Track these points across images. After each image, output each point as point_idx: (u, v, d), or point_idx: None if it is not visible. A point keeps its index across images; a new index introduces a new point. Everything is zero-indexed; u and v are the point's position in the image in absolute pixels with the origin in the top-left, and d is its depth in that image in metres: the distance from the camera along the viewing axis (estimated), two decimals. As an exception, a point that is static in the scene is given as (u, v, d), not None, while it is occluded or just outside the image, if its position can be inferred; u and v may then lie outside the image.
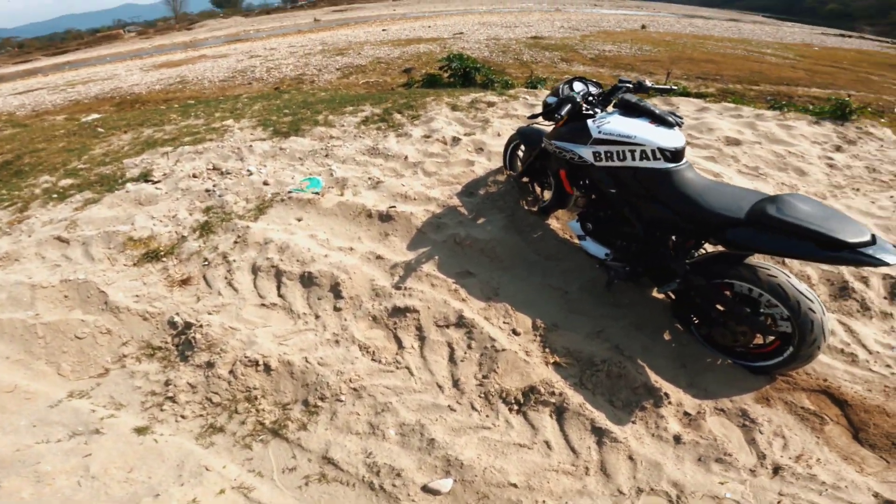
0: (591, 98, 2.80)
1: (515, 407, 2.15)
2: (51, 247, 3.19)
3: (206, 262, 3.01)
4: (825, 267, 2.86)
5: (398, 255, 3.03)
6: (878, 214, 3.46)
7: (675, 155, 2.30)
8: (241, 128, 5.31)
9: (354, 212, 3.38)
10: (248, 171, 4.10)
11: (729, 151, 4.41)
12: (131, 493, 1.76)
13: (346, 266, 2.82)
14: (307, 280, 2.79)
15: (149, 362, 2.42)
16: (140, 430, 2.04)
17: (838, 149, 4.61)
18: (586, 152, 2.56)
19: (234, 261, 2.98)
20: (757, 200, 2.07)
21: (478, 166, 3.98)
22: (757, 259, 2.29)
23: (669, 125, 2.39)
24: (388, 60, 11.53)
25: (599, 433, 2.01)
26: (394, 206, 3.37)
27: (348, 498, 1.82)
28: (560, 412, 2.10)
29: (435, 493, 1.82)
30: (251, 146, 4.66)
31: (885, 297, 2.73)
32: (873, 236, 1.83)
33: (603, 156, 2.49)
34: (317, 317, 2.63)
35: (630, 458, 1.93)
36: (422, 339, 2.47)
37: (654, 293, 2.70)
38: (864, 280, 2.80)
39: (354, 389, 2.21)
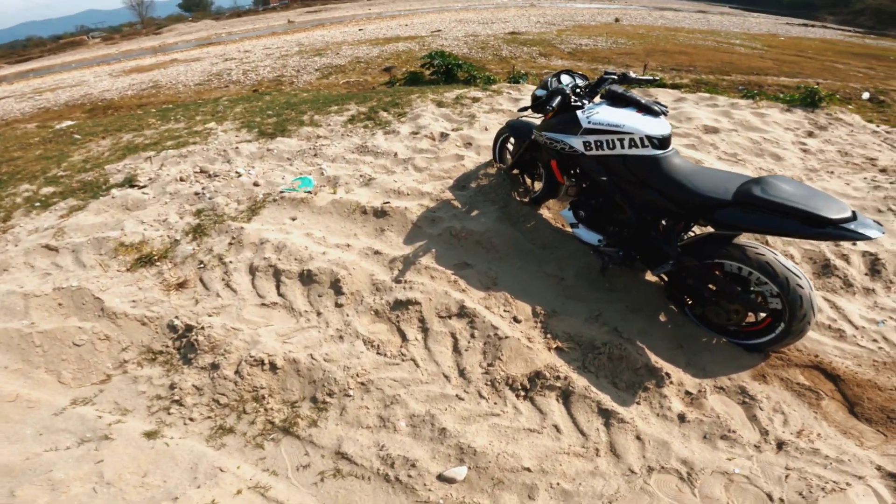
0: (578, 90, 2.87)
1: (522, 393, 2.19)
2: (39, 255, 3.13)
3: (202, 265, 2.99)
4: (807, 246, 2.98)
5: (396, 249, 3.05)
6: (853, 195, 3.61)
7: (663, 142, 2.38)
8: (225, 130, 5.26)
9: (349, 209, 3.39)
10: (237, 172, 4.06)
11: (708, 139, 4.54)
12: (149, 498, 1.75)
13: (344, 262, 2.84)
14: (307, 278, 2.80)
15: (151, 367, 2.40)
16: (149, 435, 2.03)
17: (810, 134, 4.79)
18: (577, 142, 2.63)
19: (231, 262, 2.97)
20: (742, 182, 2.16)
21: (468, 160, 4.02)
22: (745, 239, 2.38)
23: (655, 114, 2.47)
24: (368, 59, 11.48)
25: (606, 415, 2.05)
26: (388, 202, 3.39)
27: (365, 491, 1.84)
28: (566, 396, 2.15)
29: (451, 481, 1.85)
30: (237, 148, 4.62)
31: (865, 274, 2.86)
32: (854, 213, 1.93)
33: (593, 145, 2.56)
34: (319, 314, 2.64)
35: (638, 437, 1.97)
36: (425, 330, 2.50)
37: (648, 276, 2.78)
38: (845, 257, 2.92)
39: (362, 384, 2.23)
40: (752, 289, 2.24)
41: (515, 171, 3.62)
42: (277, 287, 2.81)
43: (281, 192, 3.62)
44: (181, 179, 4.03)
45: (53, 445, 1.96)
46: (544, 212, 3.38)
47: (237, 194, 3.72)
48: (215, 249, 3.10)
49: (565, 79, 2.97)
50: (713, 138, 4.55)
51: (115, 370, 2.40)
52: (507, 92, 5.94)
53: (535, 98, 2.97)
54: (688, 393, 2.15)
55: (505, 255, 3.02)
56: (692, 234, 2.61)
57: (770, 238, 2.99)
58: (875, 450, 1.91)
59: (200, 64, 14.76)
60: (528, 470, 1.87)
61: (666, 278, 2.57)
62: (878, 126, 5.13)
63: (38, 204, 3.90)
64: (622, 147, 2.44)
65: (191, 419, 2.14)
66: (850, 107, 6.01)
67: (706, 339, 2.41)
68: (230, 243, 3.12)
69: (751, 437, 1.97)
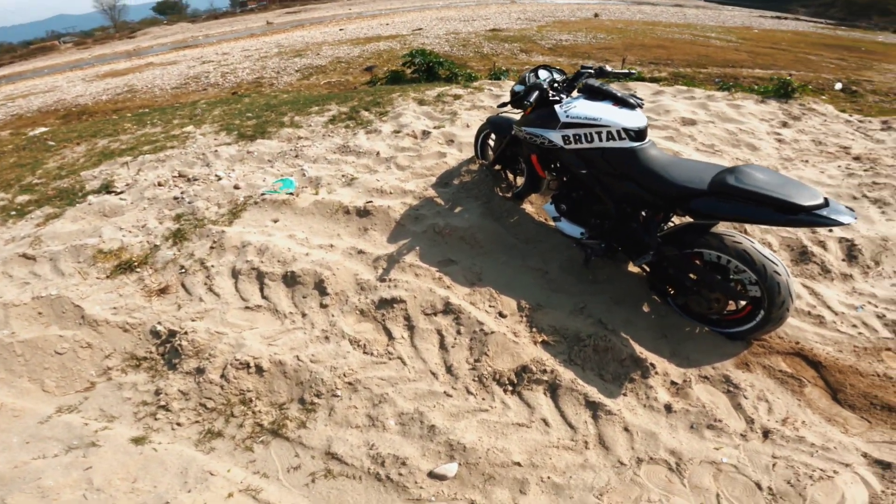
0: (556, 85, 2.89)
1: (510, 387, 2.20)
2: (17, 265, 3.06)
3: (183, 270, 2.95)
4: (785, 233, 3.04)
5: (379, 248, 3.04)
6: (828, 183, 3.69)
7: (639, 134, 2.42)
8: (204, 133, 5.19)
9: (331, 209, 3.37)
10: (217, 175, 4.01)
11: (686, 131, 4.60)
12: (140, 503, 1.73)
13: (328, 263, 2.82)
14: (290, 279, 2.78)
15: (135, 373, 2.37)
16: (137, 441, 2.00)
17: (785, 125, 4.89)
18: (556, 136, 2.65)
19: (213, 266, 2.94)
20: (717, 172, 2.20)
21: (450, 157, 4.03)
22: (723, 228, 2.42)
23: (631, 106, 2.50)
24: (349, 59, 11.41)
25: (594, 407, 2.07)
26: (370, 201, 3.38)
27: (356, 491, 1.84)
28: (553, 389, 2.16)
29: (442, 477, 1.85)
30: (216, 151, 4.56)
31: (843, 260, 2.91)
32: (826, 199, 1.97)
33: (572, 139, 2.58)
34: (304, 315, 2.62)
35: (626, 429, 1.99)
36: (411, 328, 2.50)
37: (631, 268, 2.82)
38: (822, 244, 2.98)
39: (349, 383, 2.23)
40: (731, 277, 2.28)
41: (498, 167, 3.64)
42: (261, 290, 2.78)
43: (262, 194, 3.59)
44: (159, 184, 3.97)
45: (41, 453, 1.94)
46: (527, 206, 3.40)
47: (217, 198, 3.68)
48: (196, 254, 3.06)
49: (543, 74, 2.99)
50: (691, 130, 4.61)
51: (99, 377, 2.37)
52: (489, 89, 5.95)
53: (513, 94, 2.99)
54: (673, 383, 2.17)
55: (489, 250, 3.03)
56: (672, 224, 2.65)
57: (749, 226, 3.04)
58: (860, 436, 1.93)
59: (177, 67, 14.53)
60: (519, 464, 1.88)
61: (648, 269, 2.61)
62: (850, 115, 5.25)
63: (13, 213, 3.81)
64: (600, 140, 2.47)
65: (178, 424, 2.12)
66: (824, 97, 6.14)
67: (689, 328, 2.44)
68: (211, 247, 3.09)
69: (737, 426, 1.98)
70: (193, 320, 2.59)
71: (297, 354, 2.35)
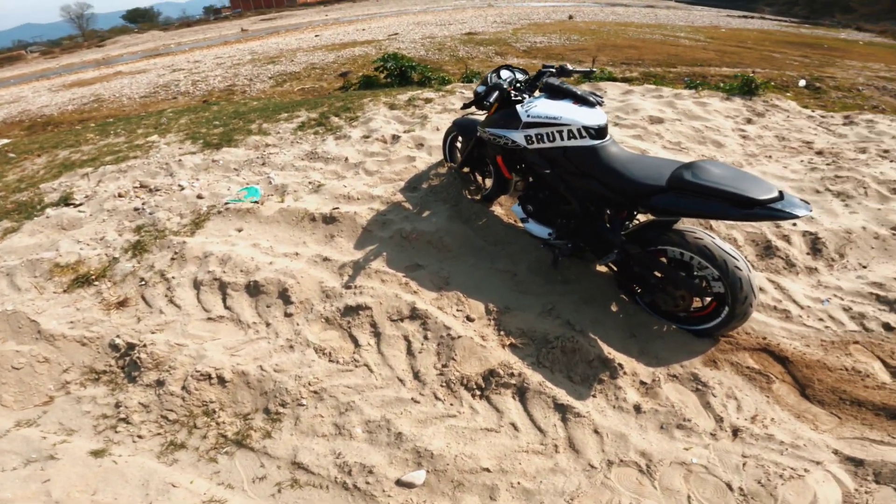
0: (518, 84, 2.89)
1: (478, 392, 2.17)
2: (-31, 282, 2.93)
3: (143, 282, 2.87)
4: (749, 228, 3.07)
5: (346, 255, 2.99)
6: (792, 177, 3.76)
7: (599, 132, 2.42)
8: (168, 143, 5.07)
9: (297, 217, 3.31)
10: (180, 185, 3.92)
11: (653, 129, 4.65)
12: (97, 518, 1.67)
13: (292, 271, 2.77)
14: (253, 289, 2.71)
15: (95, 386, 2.32)
16: (97, 453, 1.96)
17: (749, 121, 4.98)
18: (518, 136, 2.64)
19: (174, 277, 2.86)
20: (675, 168, 2.21)
21: (419, 161, 4.00)
22: (685, 224, 2.43)
23: (591, 104, 2.51)
24: (324, 66, 11.31)
25: (563, 410, 2.04)
26: (337, 208, 3.33)
27: (323, 500, 1.80)
28: (522, 393, 2.14)
29: (409, 485, 1.82)
30: (181, 160, 4.46)
31: (807, 253, 2.94)
32: (781, 193, 1.99)
33: (534, 138, 2.57)
34: (267, 324, 2.56)
35: (595, 431, 1.97)
36: (377, 335, 2.46)
37: (600, 267, 2.81)
38: (787, 238, 3.01)
39: (315, 392, 2.18)
40: (695, 273, 2.28)
41: (466, 170, 3.62)
42: (224, 300, 2.71)
43: (226, 203, 3.51)
44: (120, 195, 3.86)
45: (-1, 467, 1.86)
46: (496, 208, 3.39)
47: (179, 208, 3.59)
48: (157, 266, 2.97)
49: (505, 74, 2.98)
50: (658, 128, 4.66)
51: (58, 391, 2.31)
52: (461, 91, 5.95)
53: (476, 94, 2.97)
54: (642, 383, 2.15)
55: (457, 253, 3.00)
56: (637, 222, 2.65)
57: (714, 222, 3.07)
58: (830, 433, 1.91)
59: (146, 76, 14.23)
60: (488, 470, 1.85)
61: (615, 268, 2.61)
62: (813, 111, 5.38)
63: (-34, 229, 3.66)
64: (561, 139, 2.47)
65: (139, 436, 2.07)
66: (788, 94, 6.28)
67: (658, 326, 2.44)
68: (172, 258, 3.00)
69: (706, 425, 1.97)
70: (153, 332, 2.51)
71: (261, 364, 2.30)
